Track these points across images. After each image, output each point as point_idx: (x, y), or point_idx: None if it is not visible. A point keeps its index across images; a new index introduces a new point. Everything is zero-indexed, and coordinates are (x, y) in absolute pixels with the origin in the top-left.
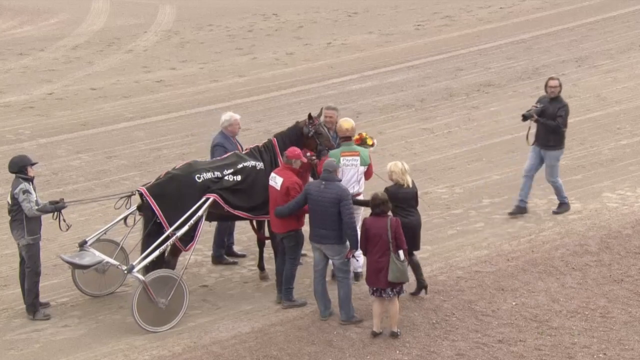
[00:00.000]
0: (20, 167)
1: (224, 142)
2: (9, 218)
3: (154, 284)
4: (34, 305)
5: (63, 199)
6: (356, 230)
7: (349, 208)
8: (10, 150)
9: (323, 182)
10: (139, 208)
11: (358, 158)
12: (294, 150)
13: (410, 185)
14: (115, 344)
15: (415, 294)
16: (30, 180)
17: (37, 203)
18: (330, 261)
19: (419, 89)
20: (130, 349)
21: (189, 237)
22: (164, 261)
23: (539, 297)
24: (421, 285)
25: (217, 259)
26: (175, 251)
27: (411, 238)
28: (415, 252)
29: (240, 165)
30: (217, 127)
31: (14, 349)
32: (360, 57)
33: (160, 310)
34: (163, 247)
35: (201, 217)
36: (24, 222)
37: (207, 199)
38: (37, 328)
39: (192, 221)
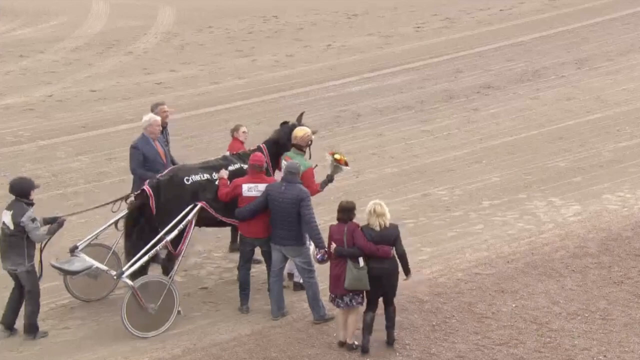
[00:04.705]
0: (25, 192)
1: (143, 145)
2: (4, 242)
3: (144, 290)
4: (35, 326)
5: (58, 217)
6: (318, 230)
7: (308, 209)
8: (10, 152)
9: (284, 184)
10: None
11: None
12: (259, 156)
13: (387, 226)
14: (116, 346)
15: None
16: (32, 204)
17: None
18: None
19: (418, 90)
20: (131, 350)
21: (176, 243)
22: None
23: (539, 299)
24: (390, 339)
25: None
26: (171, 257)
27: (385, 287)
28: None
29: (230, 168)
30: (217, 129)
31: (14, 351)
32: (360, 59)
33: (150, 315)
34: (153, 252)
35: (190, 222)
36: (25, 248)
37: (195, 206)
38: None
39: (181, 225)
